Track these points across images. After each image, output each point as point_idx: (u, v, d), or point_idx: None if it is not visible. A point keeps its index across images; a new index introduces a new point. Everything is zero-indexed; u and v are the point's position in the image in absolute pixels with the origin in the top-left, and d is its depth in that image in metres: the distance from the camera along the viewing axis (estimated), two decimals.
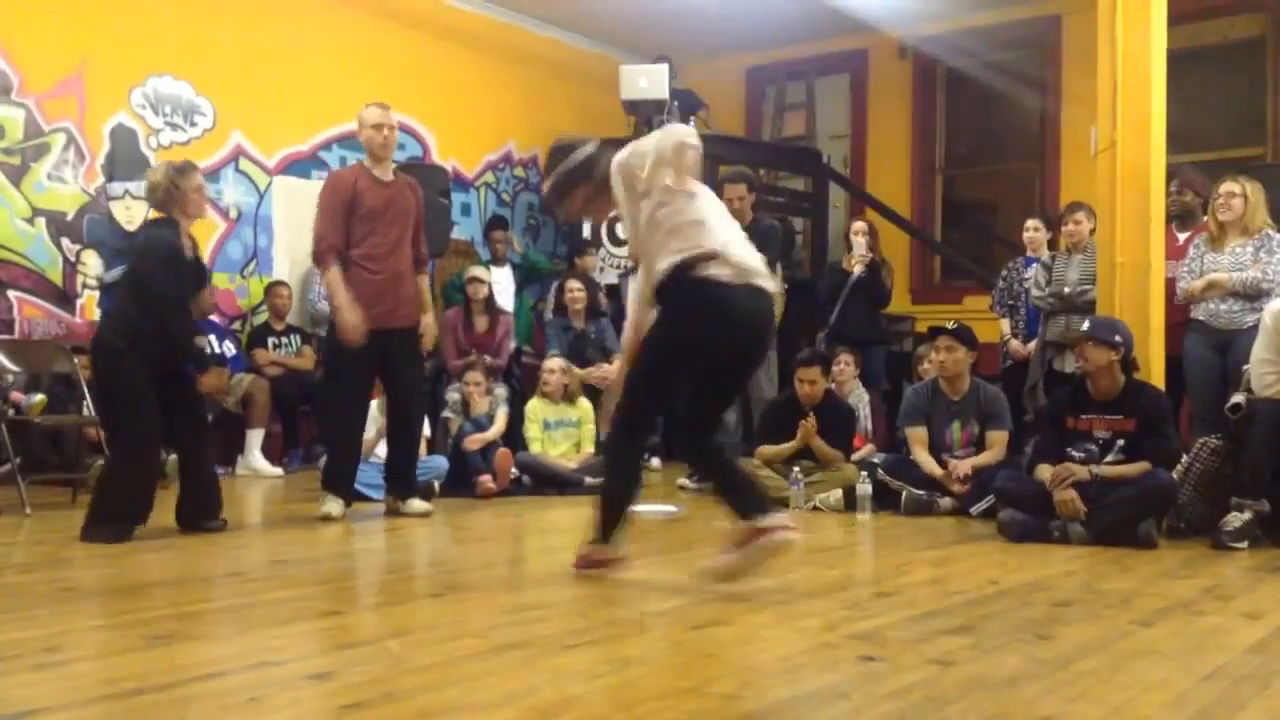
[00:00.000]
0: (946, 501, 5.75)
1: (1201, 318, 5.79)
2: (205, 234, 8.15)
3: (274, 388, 7.75)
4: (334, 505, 5.30)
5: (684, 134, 3.55)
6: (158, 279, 4.70)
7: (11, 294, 7.19)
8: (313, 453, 7.92)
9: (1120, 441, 4.91)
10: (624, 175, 3.57)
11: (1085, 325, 5.08)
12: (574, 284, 8.08)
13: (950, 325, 6.12)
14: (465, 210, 9.88)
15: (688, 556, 4.41)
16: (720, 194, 7.06)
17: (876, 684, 2.48)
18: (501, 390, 7.35)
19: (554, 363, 7.21)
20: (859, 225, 8.00)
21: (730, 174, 7.12)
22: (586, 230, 9.38)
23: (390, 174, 5.55)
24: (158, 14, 7.88)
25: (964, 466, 5.74)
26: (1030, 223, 7.55)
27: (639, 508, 5.82)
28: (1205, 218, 6.02)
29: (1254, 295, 5.62)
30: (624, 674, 2.60)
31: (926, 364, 6.78)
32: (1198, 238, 5.98)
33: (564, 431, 7.12)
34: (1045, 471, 4.94)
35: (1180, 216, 6.31)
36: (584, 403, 7.22)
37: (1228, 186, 5.77)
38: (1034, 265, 7.03)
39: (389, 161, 5.56)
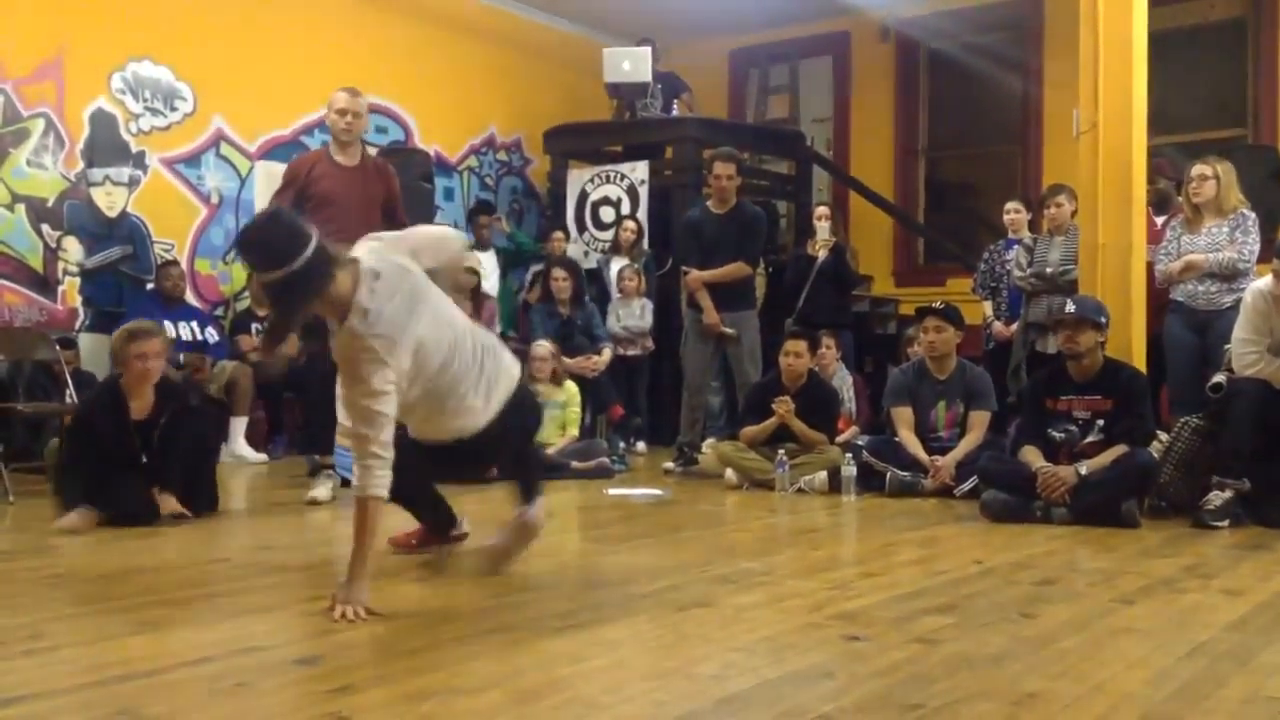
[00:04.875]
0: (930, 482, 5.77)
1: (1181, 299, 5.83)
2: (187, 219, 8.14)
3: (257, 374, 7.71)
4: (322, 490, 5.26)
5: None
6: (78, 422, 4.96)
7: None
8: (297, 439, 7.89)
9: (1100, 422, 4.94)
10: None
11: (1071, 307, 5.01)
12: (559, 272, 8.05)
13: (938, 305, 6.14)
14: (448, 195, 9.84)
15: (673, 539, 4.44)
16: (709, 170, 7.09)
17: (862, 663, 2.50)
18: None
19: (543, 349, 7.16)
20: (822, 210, 8.03)
21: (720, 151, 7.11)
22: (570, 214, 9.38)
23: (356, 159, 5.41)
24: None
25: (946, 468, 5.74)
26: (1010, 205, 7.58)
27: (626, 491, 5.90)
28: (1181, 200, 6.05)
29: (1231, 275, 5.65)
30: (611, 656, 2.61)
31: (916, 345, 6.79)
32: (1174, 221, 6.01)
33: (550, 415, 7.10)
34: (1030, 454, 4.96)
35: (1157, 203, 6.35)
36: (570, 385, 7.19)
37: (1199, 169, 5.80)
38: (1015, 247, 7.06)
39: (356, 146, 5.44)
